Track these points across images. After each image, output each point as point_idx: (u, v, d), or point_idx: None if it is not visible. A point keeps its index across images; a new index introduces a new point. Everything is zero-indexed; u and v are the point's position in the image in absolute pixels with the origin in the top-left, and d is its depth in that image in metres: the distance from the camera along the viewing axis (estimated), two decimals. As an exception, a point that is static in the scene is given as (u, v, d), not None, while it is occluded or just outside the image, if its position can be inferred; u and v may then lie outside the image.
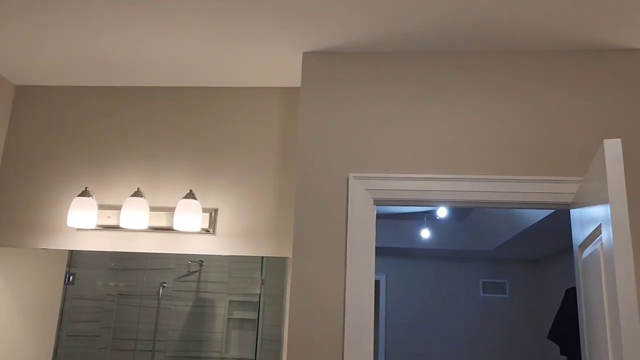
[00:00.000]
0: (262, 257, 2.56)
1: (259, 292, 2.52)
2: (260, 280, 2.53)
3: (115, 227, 2.64)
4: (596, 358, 1.83)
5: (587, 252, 1.94)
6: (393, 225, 6.17)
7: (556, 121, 2.30)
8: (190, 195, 2.54)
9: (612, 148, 1.56)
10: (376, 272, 6.83)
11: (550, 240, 5.29)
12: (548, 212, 4.19)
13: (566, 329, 4.53)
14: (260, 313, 2.50)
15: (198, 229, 2.53)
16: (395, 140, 2.33)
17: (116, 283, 2.58)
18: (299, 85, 2.77)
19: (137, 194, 2.56)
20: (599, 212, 1.69)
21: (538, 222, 4.54)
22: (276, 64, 2.58)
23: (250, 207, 2.65)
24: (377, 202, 2.26)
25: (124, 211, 2.52)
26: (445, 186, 2.23)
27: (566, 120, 2.29)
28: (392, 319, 6.66)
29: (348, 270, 2.17)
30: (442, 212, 5.51)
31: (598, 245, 1.74)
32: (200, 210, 2.53)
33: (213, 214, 2.64)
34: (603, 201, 1.62)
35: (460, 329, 6.56)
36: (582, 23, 2.15)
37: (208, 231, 2.61)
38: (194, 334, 2.48)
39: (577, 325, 4.30)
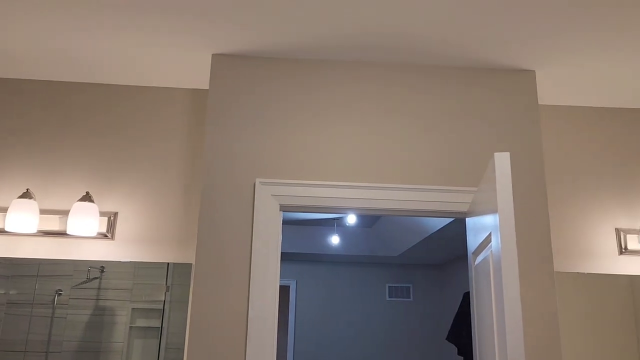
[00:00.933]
0: (168, 263, 2.48)
1: (163, 298, 2.44)
2: (165, 287, 2.46)
3: (1, 231, 2.46)
4: (485, 358, 1.94)
5: (479, 258, 2.06)
6: (304, 231, 6.22)
7: (454, 134, 2.43)
8: (87, 197, 2.41)
9: (501, 161, 1.67)
10: (286, 278, 6.85)
11: (451, 246, 5.57)
12: (450, 219, 4.41)
13: (463, 331, 4.78)
14: (165, 321, 2.42)
15: (94, 234, 2.41)
16: (304, 147, 2.35)
17: (5, 291, 2.40)
18: (208, 87, 2.73)
19: (26, 195, 2.40)
20: (489, 220, 1.80)
21: (440, 229, 4.76)
22: (185, 65, 2.52)
23: (154, 211, 2.57)
24: (284, 208, 2.27)
25: (10, 214, 2.35)
26: (352, 194, 2.28)
27: (463, 133, 2.43)
28: (302, 324, 6.70)
29: (252, 276, 2.16)
30: (351, 219, 5.63)
31: (488, 252, 1.86)
32: (98, 214, 2.42)
33: (112, 217, 2.53)
34: (493, 210, 1.73)
35: (368, 332, 6.73)
36: (478, 43, 2.30)
37: (106, 236, 2.49)
38: (92, 344, 2.36)
39: (474, 327, 4.52)
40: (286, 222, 6.12)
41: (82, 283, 2.43)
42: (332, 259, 6.76)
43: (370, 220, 5.86)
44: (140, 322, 2.42)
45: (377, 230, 6.15)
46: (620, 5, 2.01)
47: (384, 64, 2.48)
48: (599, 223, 2.70)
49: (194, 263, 2.51)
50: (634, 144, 2.81)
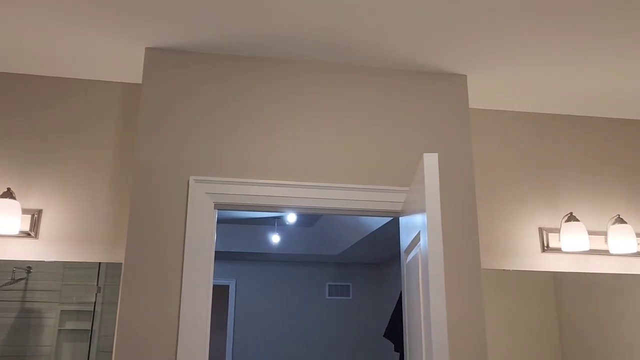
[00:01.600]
0: (99, 263, 2.40)
1: (94, 300, 2.37)
2: (97, 288, 2.38)
3: None
4: (414, 353, 2.00)
5: (410, 256, 2.11)
6: (244, 230, 6.18)
7: (390, 135, 2.48)
8: (8, 194, 2.30)
9: (430, 161, 1.73)
10: (225, 277, 6.78)
11: (390, 245, 5.68)
12: (388, 219, 4.50)
13: (399, 327, 4.89)
14: (96, 323, 2.35)
15: (16, 232, 2.31)
16: (240, 145, 2.34)
17: None
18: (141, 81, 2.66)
19: (-56, 192, 2.27)
20: (418, 220, 1.86)
21: (379, 228, 4.85)
22: (118, 58, 2.45)
23: (83, 208, 2.48)
24: (219, 207, 2.25)
25: None
26: (287, 192, 2.29)
27: (398, 134, 2.49)
28: (241, 323, 6.65)
29: (185, 276, 2.12)
30: (291, 218, 5.64)
31: (418, 250, 1.91)
32: (20, 211, 2.31)
33: (36, 215, 2.42)
34: (421, 210, 1.78)
35: (308, 331, 6.76)
36: (413, 47, 2.36)
37: (29, 234, 2.38)
38: (18, 348, 2.26)
39: (409, 323, 4.62)
40: (226, 221, 6.06)
41: (6, 284, 2.32)
42: (272, 258, 6.75)
43: (311, 219, 5.89)
44: (70, 325, 2.33)
45: (317, 230, 6.19)
46: (549, 15, 2.12)
47: (323, 63, 2.50)
48: (524, 223, 2.83)
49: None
50: (558, 149, 2.96)
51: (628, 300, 2.80)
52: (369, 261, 6.90)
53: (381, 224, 4.75)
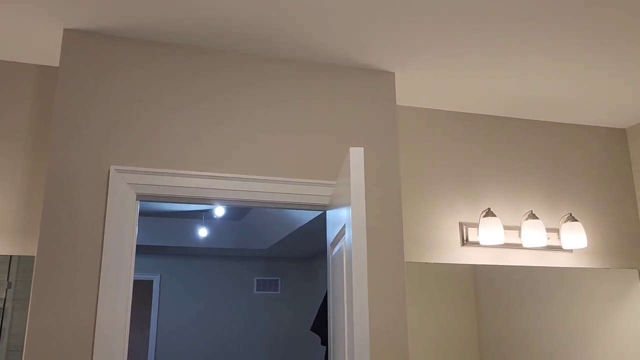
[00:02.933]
0: (10, 256, 2.26)
1: (4, 296, 2.22)
2: (7, 283, 2.24)
3: None
4: (337, 345, 2.02)
5: (336, 249, 2.13)
6: (170, 223, 6.02)
7: (319, 129, 2.49)
8: None
9: (356, 155, 1.74)
10: (150, 272, 6.57)
11: (319, 240, 5.72)
12: (318, 213, 4.52)
13: (326, 321, 4.94)
14: (6, 320, 2.20)
15: None
16: (165, 135, 2.26)
17: None
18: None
19: None
20: (344, 213, 1.87)
21: (308, 222, 4.87)
22: (34, 39, 2.30)
23: (-8, 199, 2.32)
24: (141, 198, 2.17)
25: None
26: (214, 184, 2.24)
27: (327, 128, 2.50)
28: (165, 320, 6.48)
29: (103, 270, 2.03)
30: (219, 212, 5.55)
31: (343, 244, 1.93)
32: None
33: None
34: (347, 204, 1.80)
35: (235, 326, 6.69)
36: (342, 43, 2.37)
37: None
38: None
39: (336, 317, 4.68)
40: (151, 214, 5.88)
41: None
42: (199, 253, 6.62)
43: (239, 213, 5.82)
44: (-24, 323, 2.18)
45: (246, 224, 6.13)
46: (474, 17, 2.19)
47: (251, 55, 2.47)
48: (446, 217, 2.94)
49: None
50: (479, 148, 3.09)
51: (538, 290, 2.97)
52: (298, 256, 6.92)
53: (310, 218, 4.77)
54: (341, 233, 1.97)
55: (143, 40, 2.33)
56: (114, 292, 2.03)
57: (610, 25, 2.25)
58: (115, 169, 2.13)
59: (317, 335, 6.19)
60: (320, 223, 4.93)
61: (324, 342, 4.99)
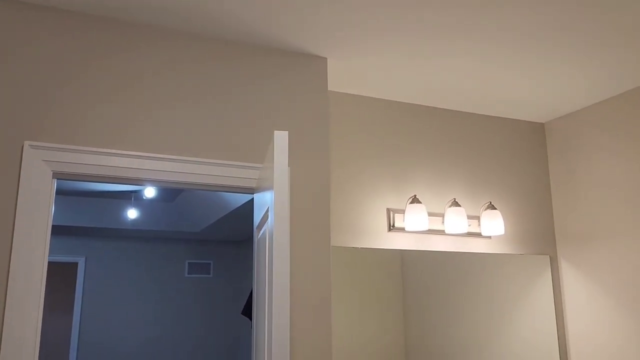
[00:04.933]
0: None
1: None
2: None
3: None
4: (259, 329, 2.03)
5: (260, 233, 2.13)
6: (97, 203, 5.81)
7: (249, 111, 2.46)
8: None
9: (280, 139, 1.74)
10: (74, 254, 6.33)
11: (251, 223, 5.70)
12: (250, 196, 4.50)
13: (256, 304, 4.96)
14: None
15: None
16: (86, 111, 2.17)
17: None
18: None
19: None
20: (268, 197, 1.87)
21: (242, 205, 4.83)
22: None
23: None
24: (57, 176, 2.08)
25: None
26: (134, 164, 2.18)
27: (257, 111, 2.48)
28: (90, 304, 6.27)
29: (14, 253, 1.93)
30: (149, 193, 5.41)
31: (266, 227, 1.94)
32: None
33: None
34: (270, 187, 1.80)
35: (165, 310, 6.58)
36: (276, 25, 2.35)
37: None
38: None
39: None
40: (76, 194, 5.65)
41: None
42: (128, 235, 6.43)
43: (171, 194, 5.70)
44: None
45: (178, 205, 6.01)
46: (408, 6, 2.22)
47: (176, 30, 2.40)
48: (374, 203, 3.00)
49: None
50: (408, 136, 3.16)
51: (459, 274, 3.09)
52: (231, 239, 6.87)
53: (243, 202, 4.74)
54: (265, 216, 1.97)
55: (59, 9, 2.21)
56: (27, 274, 1.94)
57: (533, 24, 2.35)
58: (29, 145, 2.03)
59: (247, 319, 6.21)
60: (252, 206, 4.92)
61: (254, 325, 5.00)
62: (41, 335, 6.63)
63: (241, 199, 4.74)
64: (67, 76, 2.17)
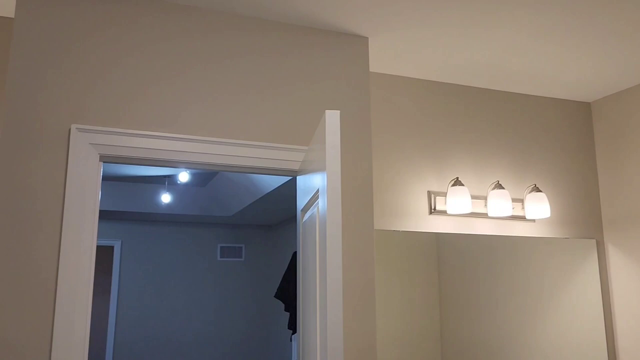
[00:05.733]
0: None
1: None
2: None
3: None
4: (307, 312, 2.01)
5: (307, 215, 2.10)
6: (132, 188, 5.87)
7: (290, 92, 2.42)
8: None
9: (332, 118, 1.70)
10: (110, 238, 6.43)
11: (284, 208, 5.69)
12: (284, 179, 4.48)
13: (291, 288, 4.96)
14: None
15: None
16: (132, 95, 2.16)
17: None
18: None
19: None
20: (317, 179, 1.84)
21: (274, 189, 4.81)
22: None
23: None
24: (104, 159, 2.08)
25: None
26: (182, 146, 2.16)
27: (298, 92, 2.44)
28: (126, 286, 6.38)
29: (64, 236, 1.94)
30: (183, 177, 5.44)
31: (315, 209, 1.90)
32: None
33: None
34: (321, 169, 1.76)
35: (197, 293, 6.65)
36: (318, 3, 2.30)
37: None
38: None
39: (300, 284, 4.70)
40: (112, 179, 5.71)
41: None
42: (162, 219, 6.49)
43: (204, 179, 5.72)
44: None
45: (210, 190, 6.03)
46: (445, -18, 2.15)
47: (224, 14, 2.36)
48: (414, 186, 2.94)
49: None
50: (451, 118, 3.09)
51: (498, 258, 3.03)
52: (262, 223, 6.88)
53: (276, 186, 4.72)
54: (314, 199, 1.94)
55: (106, -7, 2.20)
56: (77, 257, 1.95)
57: (579, 1, 2.25)
58: (76, 128, 2.02)
59: (280, 301, 6.22)
60: (285, 191, 4.90)
61: (288, 308, 5.01)
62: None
63: (273, 183, 4.72)
64: (115, 59, 2.15)
